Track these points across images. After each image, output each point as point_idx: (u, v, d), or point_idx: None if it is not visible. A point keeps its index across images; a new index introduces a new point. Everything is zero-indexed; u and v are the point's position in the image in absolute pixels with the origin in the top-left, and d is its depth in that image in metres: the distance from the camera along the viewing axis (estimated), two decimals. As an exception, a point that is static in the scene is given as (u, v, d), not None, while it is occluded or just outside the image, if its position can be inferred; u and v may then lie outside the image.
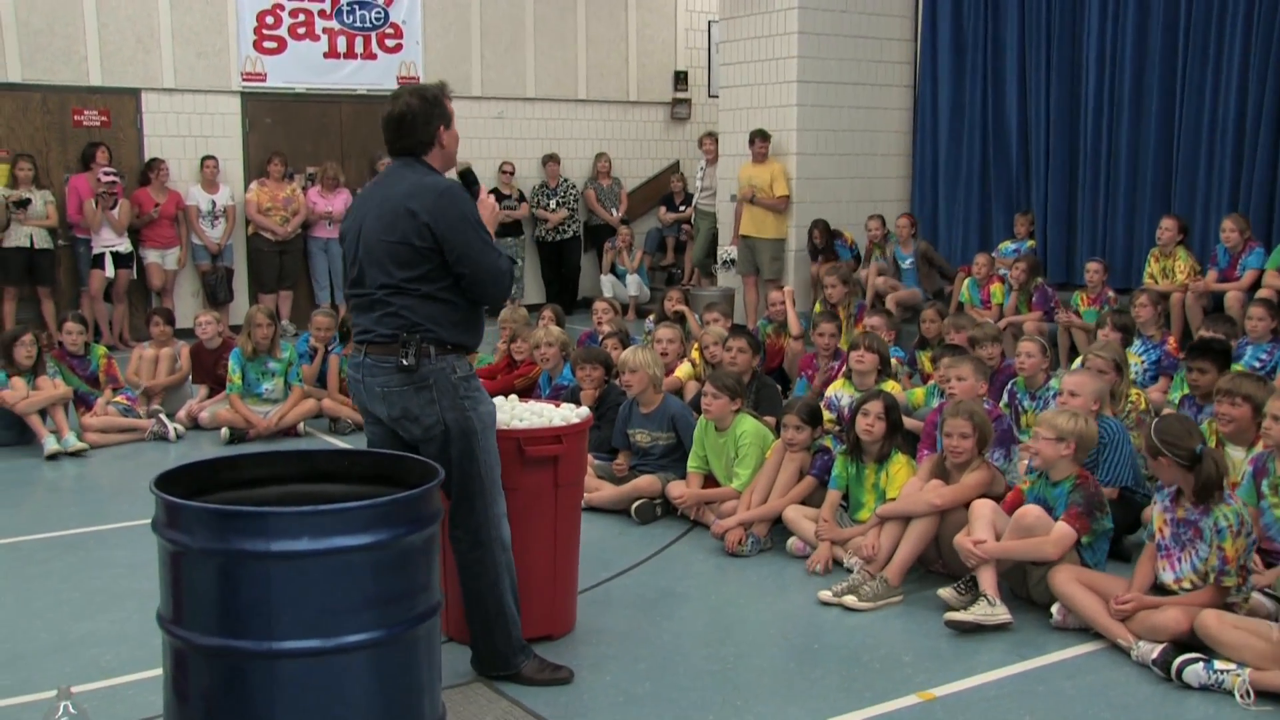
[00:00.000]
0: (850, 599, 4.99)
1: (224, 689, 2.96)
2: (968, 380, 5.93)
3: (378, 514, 3.00)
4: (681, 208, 14.11)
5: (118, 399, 8.26)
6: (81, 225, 11.25)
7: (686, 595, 5.23)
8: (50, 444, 7.57)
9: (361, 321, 4.05)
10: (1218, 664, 4.15)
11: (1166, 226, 9.33)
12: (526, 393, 7.40)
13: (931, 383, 7.03)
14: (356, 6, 12.84)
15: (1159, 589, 4.59)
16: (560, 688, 4.19)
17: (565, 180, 13.86)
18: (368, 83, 12.78)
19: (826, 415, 6.46)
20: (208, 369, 8.67)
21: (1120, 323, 7.55)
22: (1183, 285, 9.09)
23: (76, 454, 7.66)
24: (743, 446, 6.02)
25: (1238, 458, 5.28)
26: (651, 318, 9.65)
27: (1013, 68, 11.48)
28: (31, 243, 10.89)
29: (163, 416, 8.22)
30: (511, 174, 13.54)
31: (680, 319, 9.02)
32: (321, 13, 12.69)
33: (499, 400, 4.75)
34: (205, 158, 11.97)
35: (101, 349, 8.55)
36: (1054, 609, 4.74)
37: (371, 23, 12.94)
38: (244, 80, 12.36)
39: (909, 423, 6.14)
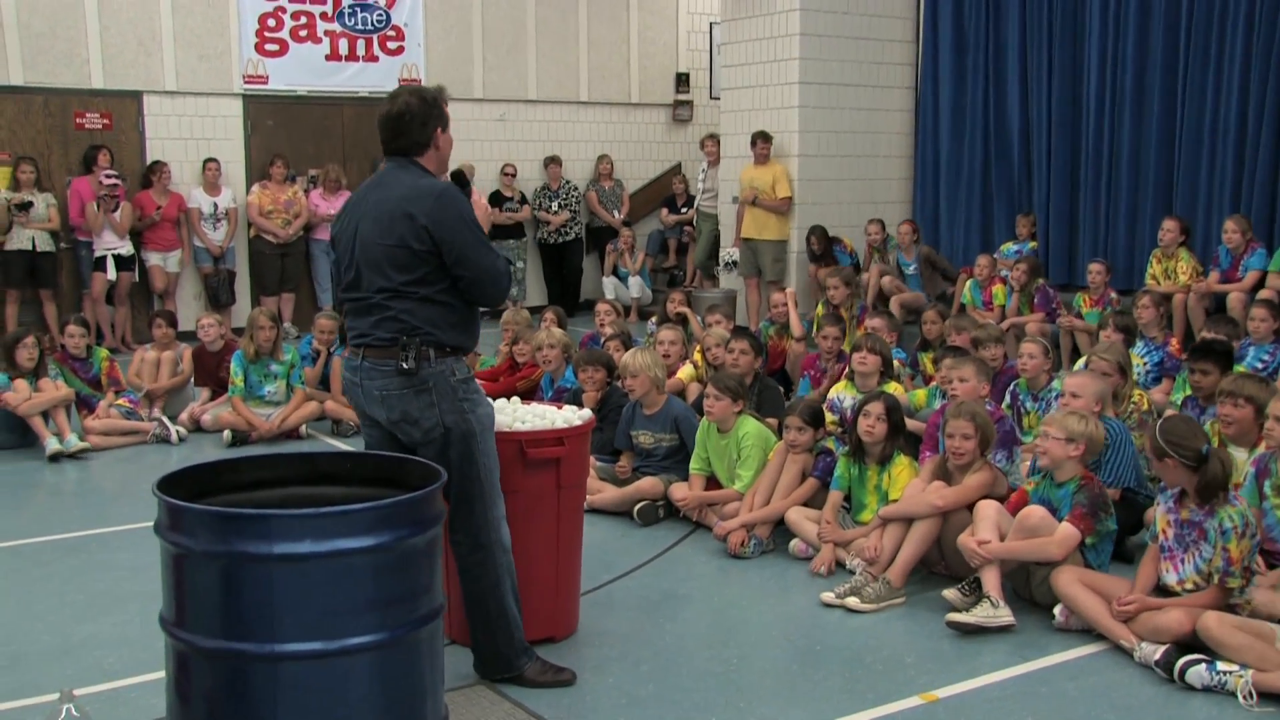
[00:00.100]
0: (853, 600, 4.99)
1: (226, 691, 2.96)
2: (969, 381, 5.93)
3: (380, 516, 3.00)
4: (683, 210, 14.11)
5: (120, 402, 8.26)
6: (83, 228, 11.25)
7: (689, 597, 5.23)
8: (52, 445, 7.58)
9: (358, 325, 4.02)
10: (1221, 665, 4.15)
11: (1168, 228, 9.32)
12: (529, 395, 7.40)
13: (933, 384, 7.03)
14: (358, 9, 12.85)
15: (1161, 590, 4.59)
16: (563, 690, 4.19)
17: (567, 182, 13.86)
18: (369, 85, 12.78)
19: (829, 417, 6.46)
20: (210, 372, 8.68)
21: (1122, 324, 7.55)
22: (1185, 286, 9.08)
23: (79, 456, 7.66)
24: (745, 448, 6.02)
25: (1240, 459, 5.27)
26: (654, 320, 9.65)
27: (1014, 69, 11.49)
28: (33, 246, 10.90)
29: (165, 419, 8.22)
30: (513, 176, 13.54)
31: (682, 321, 9.03)
32: (323, 15, 12.70)
33: (501, 403, 4.76)
34: (207, 160, 11.98)
35: (104, 352, 8.55)
36: (1056, 610, 4.74)
37: (373, 25, 12.95)
38: (246, 83, 12.37)
39: (911, 424, 6.13)
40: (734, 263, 12.06)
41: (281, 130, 12.62)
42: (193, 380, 8.76)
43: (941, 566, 5.27)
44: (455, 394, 3.96)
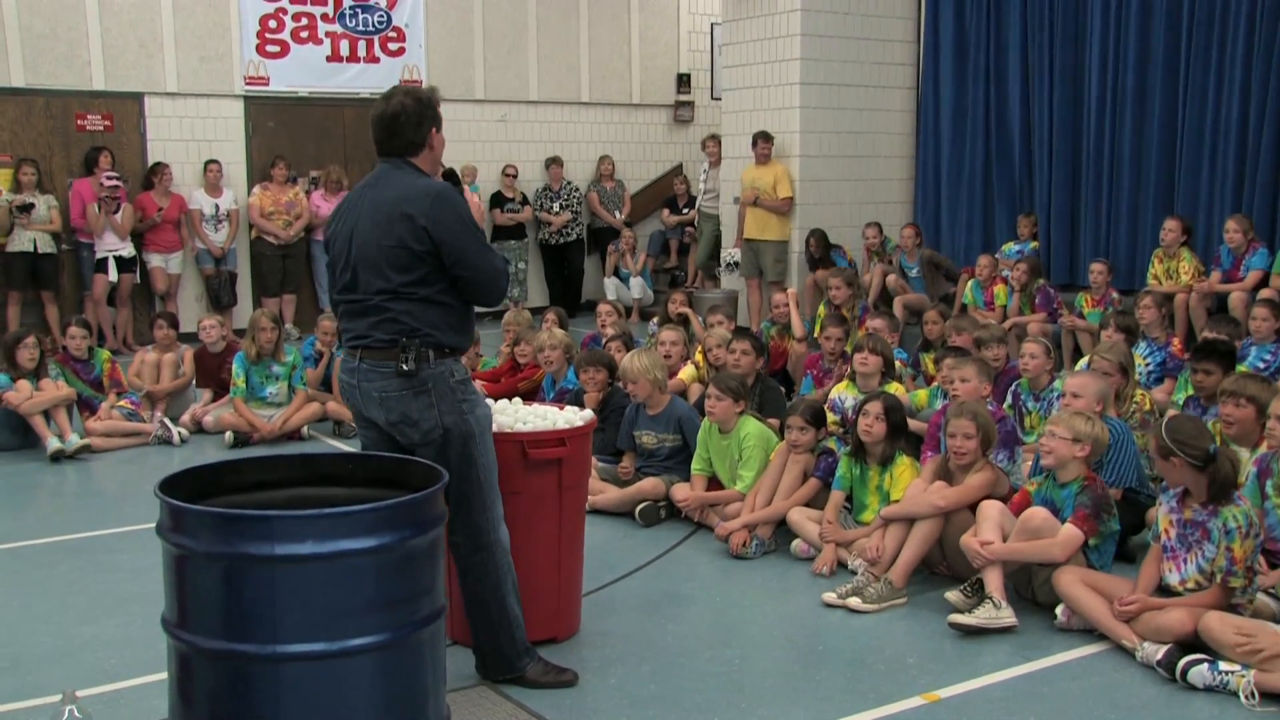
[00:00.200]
0: (854, 601, 4.99)
1: (229, 692, 2.96)
2: (971, 382, 5.93)
3: (382, 517, 3.00)
4: (685, 210, 14.12)
5: (122, 403, 8.27)
6: (85, 230, 11.26)
7: (691, 598, 5.23)
8: (53, 444, 7.58)
9: (355, 327, 3.99)
10: (1223, 665, 4.14)
11: (1170, 227, 9.32)
12: (530, 396, 7.41)
13: (935, 384, 7.03)
14: (359, 10, 12.86)
15: (1163, 590, 4.59)
16: (565, 690, 4.19)
17: (568, 183, 13.87)
18: (370, 86, 12.78)
19: (830, 417, 6.46)
20: (211, 373, 8.68)
21: (1123, 324, 7.55)
22: (1187, 286, 9.08)
23: (81, 456, 7.66)
24: (746, 449, 6.02)
25: (1242, 458, 5.27)
26: (655, 320, 9.65)
27: (1015, 69, 11.48)
28: (35, 247, 10.91)
29: (167, 421, 8.23)
30: (514, 177, 13.55)
31: (684, 321, 9.03)
32: (324, 16, 12.70)
33: (503, 403, 4.76)
34: (208, 162, 11.98)
35: (105, 353, 8.56)
36: (1058, 610, 4.74)
37: (374, 26, 12.96)
38: (247, 84, 12.37)
39: (913, 425, 6.13)
40: (735, 263, 12.06)
41: (283, 131, 12.63)
42: (194, 382, 8.76)
43: (943, 567, 5.27)
44: (454, 395, 3.95)
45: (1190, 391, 6.54)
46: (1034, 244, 11.02)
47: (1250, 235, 8.97)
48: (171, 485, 3.10)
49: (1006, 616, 4.68)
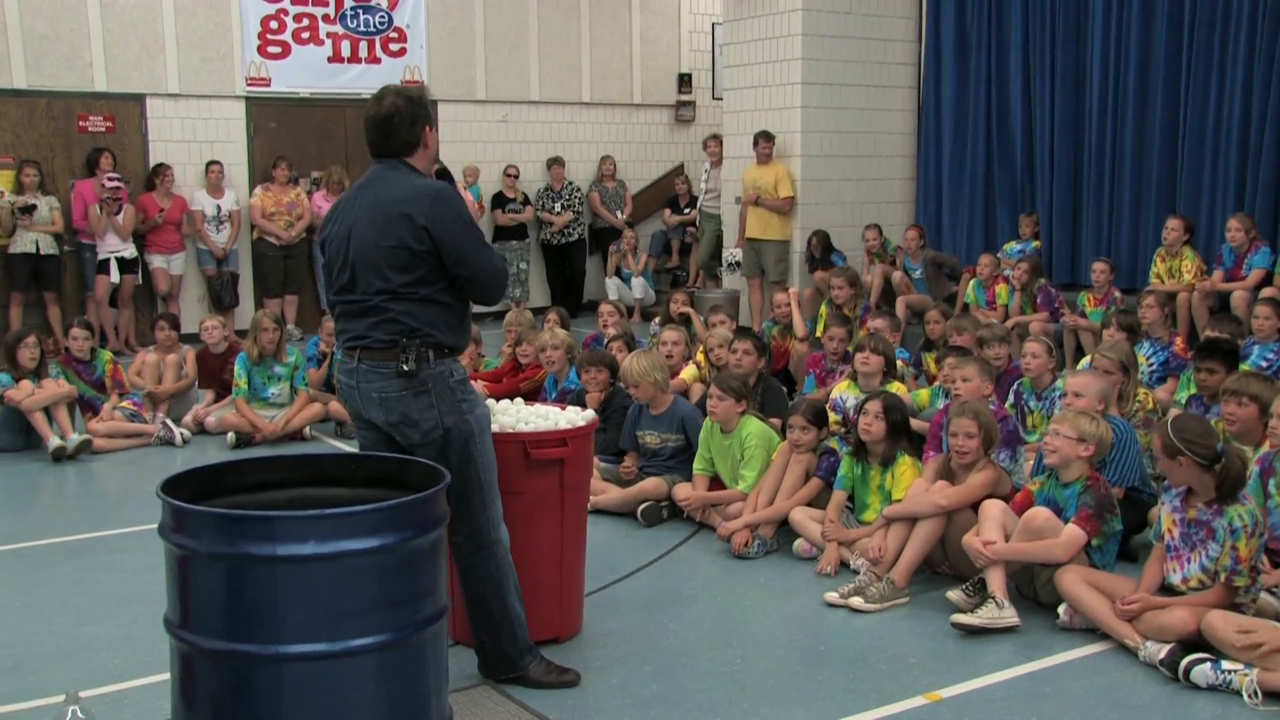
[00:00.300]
0: (857, 600, 4.99)
1: (231, 693, 2.96)
2: (972, 381, 5.93)
3: (384, 518, 3.00)
4: (686, 210, 14.11)
5: (124, 404, 8.27)
6: (87, 231, 11.27)
7: (693, 597, 5.23)
8: (54, 442, 7.59)
9: (354, 327, 3.98)
10: (1225, 664, 4.14)
11: (1172, 226, 9.32)
12: (532, 396, 7.41)
13: (937, 384, 7.03)
14: (360, 11, 12.86)
15: (1166, 589, 4.58)
16: (567, 690, 4.19)
17: (570, 183, 13.87)
18: (372, 87, 12.46)
19: (832, 417, 6.46)
20: (213, 374, 8.68)
21: (1125, 323, 7.55)
22: (1189, 285, 9.08)
23: (82, 457, 7.66)
24: (748, 448, 6.02)
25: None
26: (656, 320, 9.65)
27: (1017, 68, 11.47)
28: (37, 248, 10.92)
29: (169, 421, 8.23)
30: (516, 177, 13.55)
31: (685, 321, 9.02)
32: (325, 17, 12.71)
33: (504, 404, 4.76)
34: (210, 163, 11.99)
35: (107, 354, 8.56)
36: (1061, 610, 4.73)
37: (375, 27, 12.96)
38: (248, 85, 12.38)
39: (915, 424, 6.13)
40: (737, 263, 12.06)
41: (284, 132, 12.64)
42: (196, 383, 8.76)
43: (945, 566, 5.26)
44: (454, 395, 3.95)
45: (1193, 390, 6.54)
46: (1036, 243, 11.01)
47: (1252, 234, 8.96)
48: (173, 486, 3.11)
49: (1009, 616, 4.68)
